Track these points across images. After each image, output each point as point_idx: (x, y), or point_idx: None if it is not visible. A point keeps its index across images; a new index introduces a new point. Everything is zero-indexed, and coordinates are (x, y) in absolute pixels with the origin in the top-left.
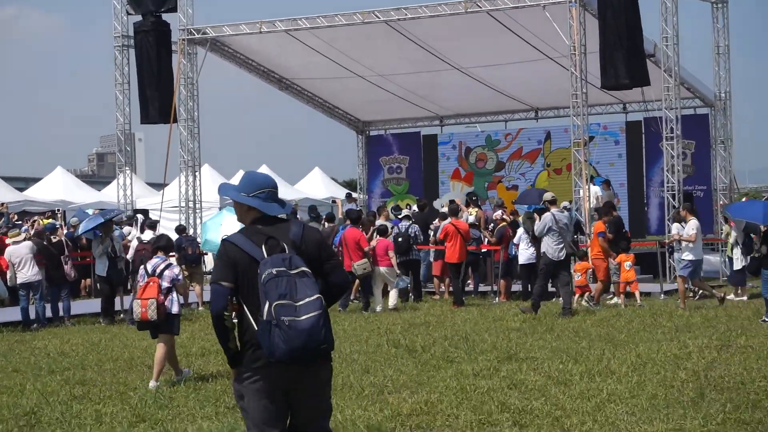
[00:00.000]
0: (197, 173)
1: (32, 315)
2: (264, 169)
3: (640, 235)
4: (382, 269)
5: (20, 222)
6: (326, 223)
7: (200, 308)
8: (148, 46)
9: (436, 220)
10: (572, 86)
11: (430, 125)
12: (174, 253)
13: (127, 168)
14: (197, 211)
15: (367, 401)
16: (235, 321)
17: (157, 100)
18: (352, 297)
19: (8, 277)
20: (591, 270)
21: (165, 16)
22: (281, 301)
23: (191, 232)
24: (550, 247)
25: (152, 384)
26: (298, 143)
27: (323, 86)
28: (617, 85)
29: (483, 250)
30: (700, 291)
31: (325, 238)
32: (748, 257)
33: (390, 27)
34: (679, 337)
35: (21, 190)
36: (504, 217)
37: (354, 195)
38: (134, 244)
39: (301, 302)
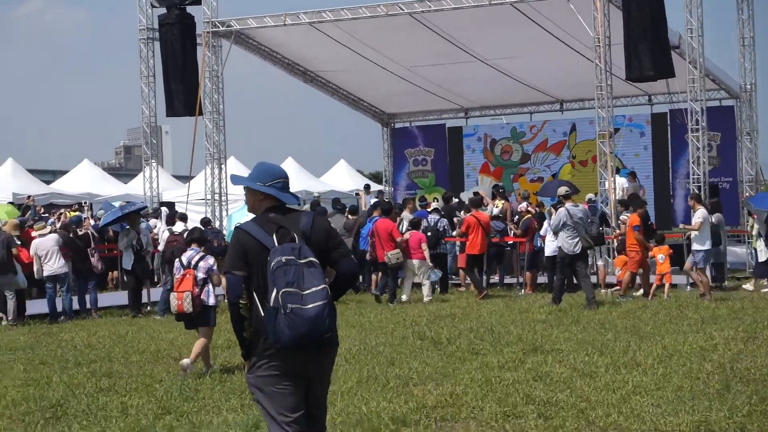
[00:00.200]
0: (223, 166)
1: (59, 307)
2: (289, 162)
3: (666, 227)
4: (415, 262)
5: (47, 215)
6: (350, 216)
7: (226, 300)
8: (173, 39)
9: (462, 212)
10: (597, 78)
11: (455, 117)
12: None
13: (153, 161)
14: (223, 203)
15: (392, 393)
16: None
17: (182, 93)
18: (373, 289)
19: (35, 270)
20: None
21: (189, 9)
22: (288, 288)
23: (217, 224)
24: (566, 241)
25: (186, 361)
26: (324, 136)
27: (348, 78)
28: (642, 77)
29: (509, 242)
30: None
31: (333, 228)
32: None
33: (414, 19)
34: (705, 328)
35: (48, 183)
36: (529, 209)
37: (372, 187)
38: (165, 236)
39: (307, 291)
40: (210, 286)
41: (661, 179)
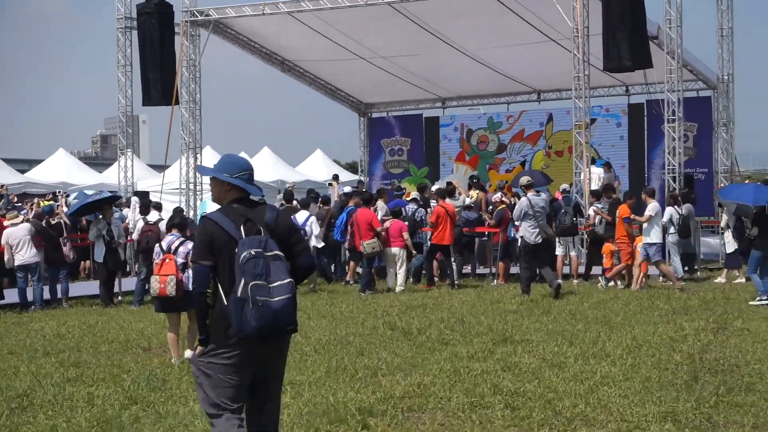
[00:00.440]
0: (198, 155)
1: (30, 297)
2: (266, 152)
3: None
4: (395, 250)
5: (20, 204)
6: (322, 206)
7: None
8: (150, 28)
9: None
10: (575, 68)
11: (432, 107)
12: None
13: (128, 150)
14: (198, 193)
15: (360, 384)
16: None
17: (159, 82)
18: (350, 280)
19: (5, 259)
20: (616, 251)
21: None
22: (257, 281)
23: (191, 214)
24: (527, 231)
25: (188, 353)
26: (300, 125)
27: (325, 68)
28: (620, 68)
29: (483, 233)
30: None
31: (294, 224)
32: (739, 240)
33: (393, 9)
34: (676, 319)
35: (23, 172)
36: (503, 199)
37: (348, 177)
38: (139, 225)
39: (274, 284)
40: (190, 271)
41: (636, 170)
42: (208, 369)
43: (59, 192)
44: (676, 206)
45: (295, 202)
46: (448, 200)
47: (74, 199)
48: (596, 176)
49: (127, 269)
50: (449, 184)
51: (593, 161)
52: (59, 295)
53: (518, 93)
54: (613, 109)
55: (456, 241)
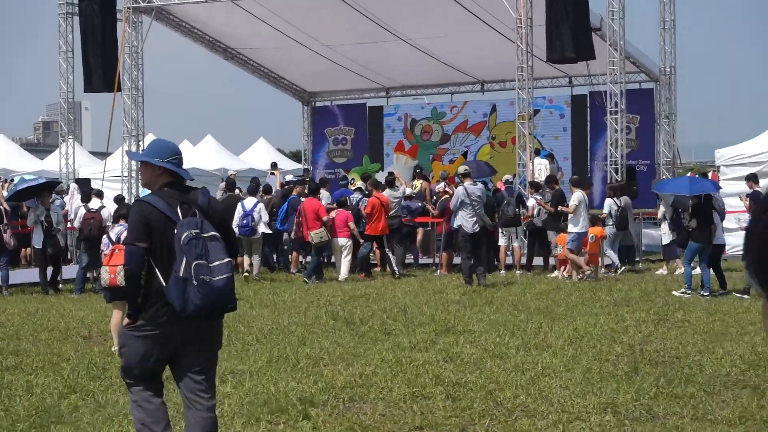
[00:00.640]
0: (141, 143)
1: None
2: (209, 140)
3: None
4: (341, 240)
5: None
6: (264, 195)
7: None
8: (92, 14)
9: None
10: (518, 59)
11: (376, 97)
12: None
13: (69, 137)
14: (139, 180)
15: (301, 373)
16: None
17: (101, 69)
18: (293, 269)
19: None
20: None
21: None
22: (199, 261)
23: (133, 202)
24: (465, 220)
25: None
26: (244, 114)
27: (269, 56)
28: (563, 59)
29: (427, 223)
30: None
31: (224, 211)
32: (676, 231)
33: None
34: (617, 310)
35: None
36: (447, 189)
37: (290, 166)
38: (81, 212)
39: (213, 264)
40: None
41: (579, 161)
42: (133, 340)
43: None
44: (615, 198)
45: (237, 191)
46: (388, 190)
47: (13, 184)
48: (543, 167)
49: (68, 257)
50: (390, 174)
51: (538, 152)
52: None
53: (462, 83)
54: (556, 100)
55: (396, 231)
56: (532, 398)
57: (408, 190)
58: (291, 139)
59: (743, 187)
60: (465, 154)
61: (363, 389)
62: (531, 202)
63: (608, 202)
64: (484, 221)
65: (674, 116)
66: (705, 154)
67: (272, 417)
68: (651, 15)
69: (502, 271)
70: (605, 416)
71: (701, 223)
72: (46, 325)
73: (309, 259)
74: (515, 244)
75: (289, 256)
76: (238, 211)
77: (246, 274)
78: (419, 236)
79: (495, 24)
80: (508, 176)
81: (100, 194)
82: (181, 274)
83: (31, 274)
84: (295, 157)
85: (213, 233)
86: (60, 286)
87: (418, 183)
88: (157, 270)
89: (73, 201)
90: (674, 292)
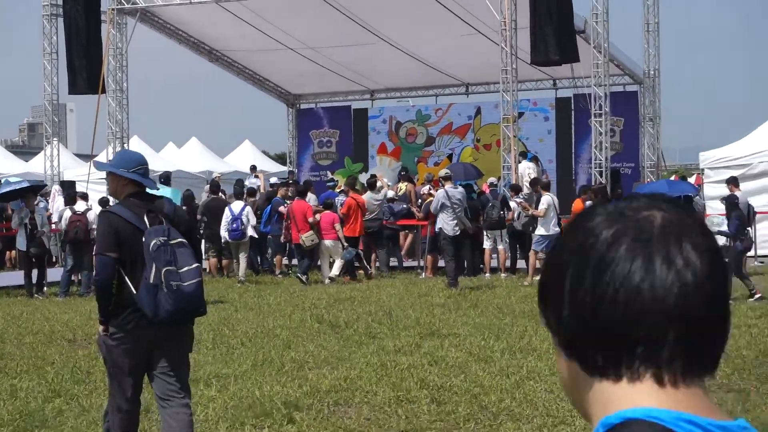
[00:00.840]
0: (126, 145)
1: None
2: (194, 142)
3: (568, 212)
4: (328, 242)
5: None
6: (248, 198)
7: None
8: (77, 16)
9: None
10: (502, 62)
11: (361, 99)
12: None
13: (54, 139)
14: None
15: (286, 377)
16: None
17: (85, 71)
18: (278, 272)
19: None
20: None
21: None
22: (169, 267)
23: None
24: (446, 223)
25: None
26: (229, 116)
27: (254, 58)
28: (547, 61)
29: (413, 225)
30: None
31: (190, 219)
32: None
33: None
34: None
35: None
36: (432, 192)
37: (275, 168)
38: (67, 215)
39: (183, 269)
40: None
41: (564, 164)
42: (112, 351)
43: None
44: (593, 201)
45: (221, 194)
46: (369, 193)
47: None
48: (531, 170)
49: (53, 259)
50: (372, 176)
51: (524, 155)
52: None
53: (447, 86)
54: (540, 102)
55: (378, 233)
56: (517, 402)
57: (390, 193)
58: (276, 141)
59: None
60: (450, 157)
61: (348, 393)
62: (512, 204)
63: (587, 204)
64: (464, 224)
65: (658, 119)
66: (689, 156)
67: (257, 421)
68: (635, 17)
69: (487, 274)
70: None
71: None
72: (31, 328)
73: (295, 261)
74: (500, 247)
75: (273, 258)
76: (227, 215)
77: (240, 280)
78: (405, 239)
79: (479, 26)
80: (492, 179)
81: (85, 197)
82: (151, 280)
83: (16, 277)
84: (280, 159)
85: (180, 240)
86: (45, 288)
87: (403, 185)
88: (126, 278)
89: (54, 203)
90: None
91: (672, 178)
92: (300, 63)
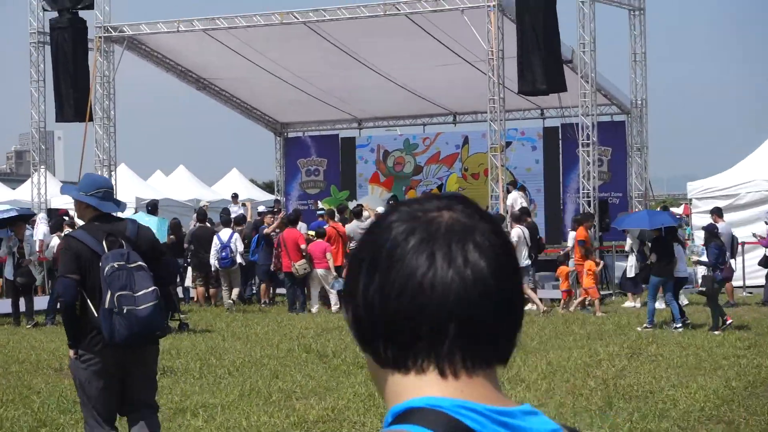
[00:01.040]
0: (113, 173)
1: None
2: (181, 170)
3: (557, 242)
4: (320, 271)
5: None
6: (235, 226)
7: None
8: (64, 43)
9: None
10: (490, 91)
11: (348, 128)
12: None
13: (41, 166)
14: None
15: (273, 407)
16: None
17: (72, 98)
18: (263, 300)
19: None
20: (574, 273)
21: (82, 13)
22: (122, 291)
23: None
24: None
25: None
26: (216, 144)
27: (241, 87)
28: (534, 91)
29: None
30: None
31: (156, 239)
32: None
33: (309, 28)
34: (591, 344)
35: None
36: None
37: (263, 197)
38: (54, 242)
39: (139, 293)
40: None
41: (551, 194)
42: (81, 375)
43: None
44: None
45: (207, 222)
46: (355, 221)
47: None
48: (521, 199)
49: (44, 288)
50: (358, 205)
51: (514, 184)
52: None
53: (434, 115)
54: (528, 132)
55: None
56: None
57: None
58: (264, 170)
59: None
60: (440, 187)
61: (335, 423)
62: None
63: (572, 234)
64: None
65: (646, 149)
66: (677, 186)
67: None
68: (622, 48)
69: None
70: None
71: (661, 256)
72: (17, 356)
73: (281, 290)
74: None
75: (259, 287)
76: (215, 244)
77: (231, 300)
78: None
79: (467, 56)
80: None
81: (72, 225)
82: (106, 305)
83: (4, 305)
84: (268, 188)
85: (139, 263)
86: (34, 317)
87: None
88: (88, 301)
89: (36, 229)
90: (638, 328)
91: (658, 209)
92: (288, 91)
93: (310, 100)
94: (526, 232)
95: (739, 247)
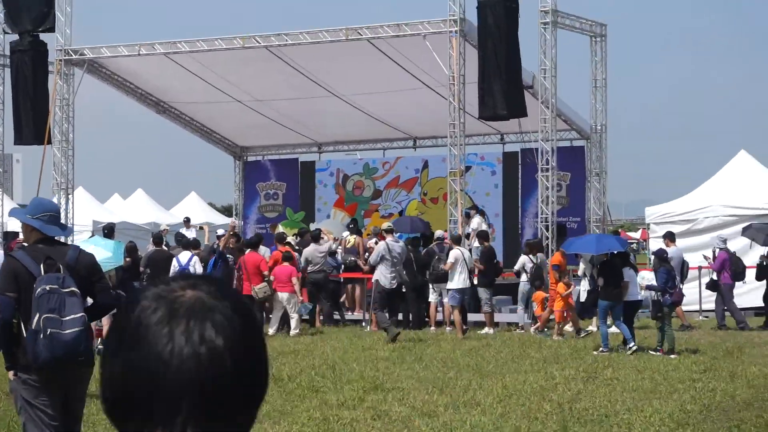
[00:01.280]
0: (70, 196)
1: None
2: (139, 193)
3: (512, 266)
4: (283, 295)
5: None
6: (192, 249)
7: None
8: (24, 66)
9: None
10: (450, 116)
11: (308, 152)
12: None
13: None
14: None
15: None
16: None
17: (31, 121)
18: None
19: None
20: (546, 299)
21: (42, 36)
22: (50, 314)
23: None
24: (383, 275)
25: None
26: (175, 167)
27: (201, 110)
28: (495, 116)
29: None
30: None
31: (97, 263)
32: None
33: (270, 52)
34: (547, 368)
35: None
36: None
37: (222, 220)
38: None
39: (67, 318)
40: None
41: (510, 218)
42: (23, 393)
43: None
44: (530, 255)
45: (164, 246)
46: (313, 245)
47: None
48: (484, 224)
49: None
50: (317, 229)
51: (476, 209)
52: None
53: (394, 139)
54: (488, 157)
55: (324, 286)
56: None
57: (334, 245)
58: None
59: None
60: (401, 212)
61: None
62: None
63: (523, 258)
64: (401, 278)
65: (605, 174)
66: (636, 210)
67: None
68: (583, 74)
69: (432, 328)
70: None
71: (608, 280)
72: None
73: None
74: (445, 300)
75: None
76: (174, 266)
77: None
78: (355, 291)
79: (428, 81)
80: (439, 232)
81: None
82: (33, 326)
83: None
84: (227, 211)
85: (72, 289)
86: None
87: (352, 238)
88: (22, 321)
89: None
90: (594, 352)
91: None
92: (248, 115)
93: (271, 124)
94: (466, 254)
95: (696, 271)
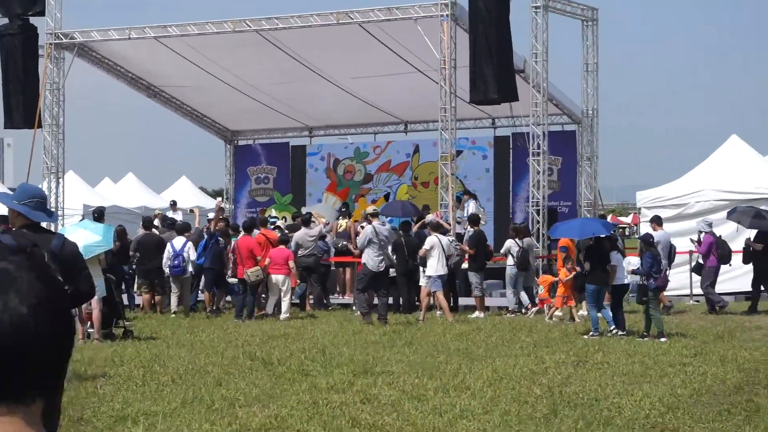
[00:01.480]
0: (61, 180)
1: None
2: (130, 177)
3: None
4: (279, 277)
5: None
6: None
7: None
8: (14, 50)
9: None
10: (441, 100)
11: (299, 136)
12: None
13: None
14: (60, 218)
15: (216, 415)
16: None
17: (22, 105)
18: (208, 309)
19: None
20: (554, 283)
21: (33, 20)
22: None
23: None
24: (371, 258)
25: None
26: (166, 151)
27: (192, 94)
28: (486, 100)
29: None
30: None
31: (80, 253)
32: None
33: (261, 36)
34: (537, 352)
35: None
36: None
37: (209, 204)
38: None
39: None
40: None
41: (501, 202)
42: None
43: None
44: (516, 239)
45: (153, 230)
46: (303, 229)
47: None
48: (472, 210)
49: None
50: (308, 213)
51: (469, 194)
52: None
53: (385, 123)
54: (479, 141)
55: (314, 269)
56: None
57: (324, 229)
58: (213, 177)
59: (667, 228)
60: (387, 196)
61: (278, 431)
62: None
63: (509, 242)
64: (389, 260)
65: (596, 158)
66: (627, 195)
67: None
68: (574, 58)
69: (421, 319)
70: None
71: (594, 265)
72: None
73: (229, 298)
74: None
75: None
76: (168, 251)
77: (176, 310)
78: (345, 275)
79: (419, 65)
80: (430, 216)
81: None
82: None
83: None
84: (218, 195)
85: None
86: None
87: (343, 222)
88: None
89: None
90: (584, 336)
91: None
92: (239, 99)
93: (262, 108)
94: (444, 240)
95: (687, 256)
